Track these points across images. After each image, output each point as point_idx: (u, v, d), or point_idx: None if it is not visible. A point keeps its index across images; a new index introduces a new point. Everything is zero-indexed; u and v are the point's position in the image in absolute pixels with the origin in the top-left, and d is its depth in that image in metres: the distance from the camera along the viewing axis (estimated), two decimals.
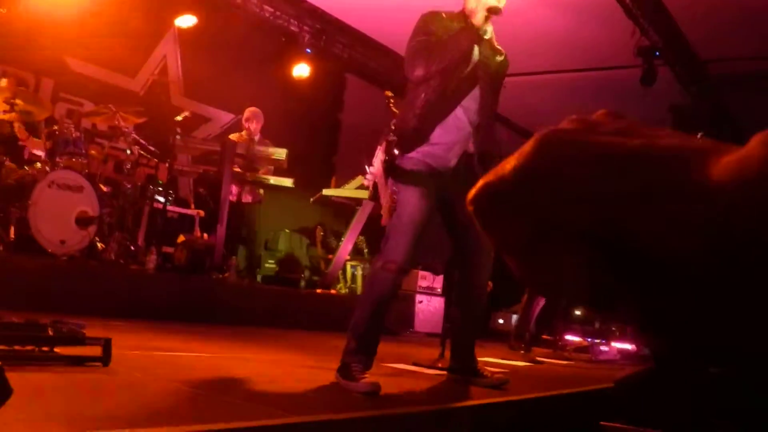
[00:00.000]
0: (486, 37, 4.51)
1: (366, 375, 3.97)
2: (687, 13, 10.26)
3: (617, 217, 0.58)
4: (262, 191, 9.96)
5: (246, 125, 9.95)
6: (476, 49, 4.45)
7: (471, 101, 4.44)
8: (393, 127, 4.52)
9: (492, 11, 4.34)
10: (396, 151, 4.36)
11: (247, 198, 9.75)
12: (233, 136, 9.88)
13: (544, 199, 0.62)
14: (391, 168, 4.40)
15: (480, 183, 0.71)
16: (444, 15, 4.46)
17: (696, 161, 0.58)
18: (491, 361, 6.58)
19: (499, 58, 4.61)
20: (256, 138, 9.78)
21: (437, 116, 4.37)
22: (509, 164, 0.66)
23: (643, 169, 0.59)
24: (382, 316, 4.29)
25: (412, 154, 4.34)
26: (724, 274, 0.53)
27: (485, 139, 4.49)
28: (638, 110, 12.92)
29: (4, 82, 8.15)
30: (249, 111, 10.00)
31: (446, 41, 4.32)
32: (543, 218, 0.64)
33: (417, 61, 4.34)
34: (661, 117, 12.57)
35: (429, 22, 4.43)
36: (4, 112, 7.58)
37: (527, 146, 0.68)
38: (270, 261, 10.99)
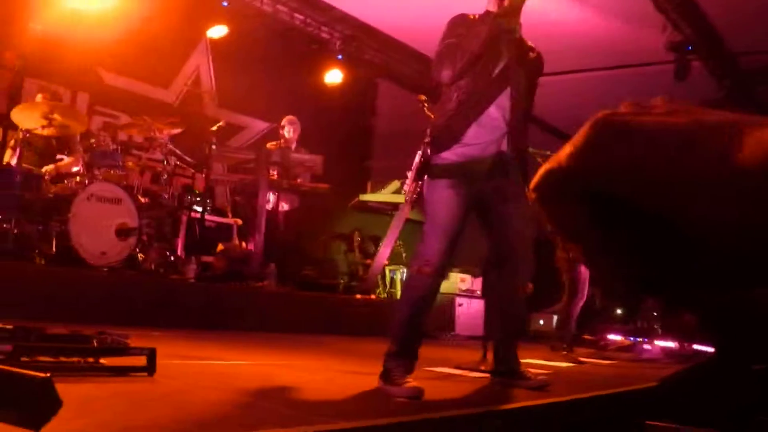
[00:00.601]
0: (516, 35, 4.48)
1: (408, 379, 3.95)
2: (718, 6, 10.17)
3: (667, 192, 0.58)
4: (298, 198, 9.98)
5: (282, 133, 9.99)
6: (504, 48, 4.42)
7: (504, 100, 4.40)
8: (428, 131, 4.50)
9: None
10: (429, 151, 4.33)
11: (284, 205, 9.77)
12: (269, 145, 9.92)
13: (600, 177, 0.63)
14: (425, 168, 4.37)
15: (541, 170, 0.72)
16: (471, 17, 4.43)
17: (732, 138, 0.58)
18: (533, 362, 6.54)
19: (532, 55, 4.58)
20: (293, 146, 9.81)
21: (470, 116, 4.33)
22: (566, 149, 0.66)
23: (688, 147, 0.59)
24: (421, 319, 4.27)
25: (446, 155, 4.31)
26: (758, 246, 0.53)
27: (520, 138, 4.46)
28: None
29: (39, 97, 8.23)
30: (285, 119, 10.05)
31: (465, 35, 4.29)
32: (599, 197, 0.64)
33: (443, 62, 4.31)
34: None
35: (455, 25, 4.40)
36: (43, 127, 7.64)
37: (582, 130, 0.68)
38: (308, 267, 11.01)
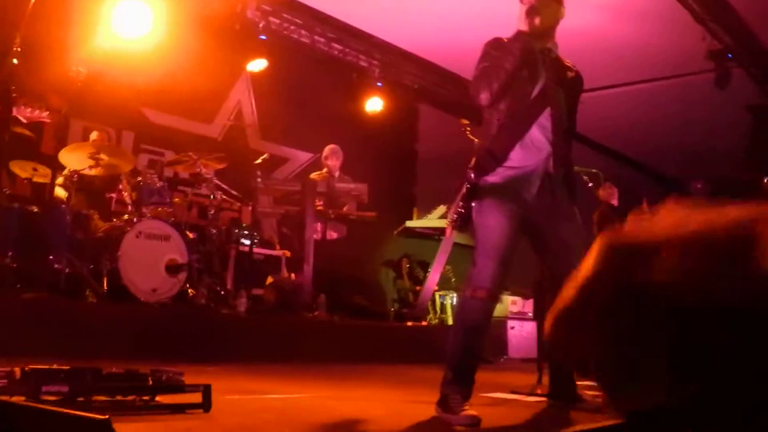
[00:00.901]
0: (553, 56, 4.45)
1: (466, 406, 3.91)
2: (756, 12, 10.08)
3: (686, 306, 0.56)
4: (345, 227, 9.99)
5: (325, 163, 10.01)
6: (541, 68, 4.38)
7: (546, 120, 4.36)
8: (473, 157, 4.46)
9: (529, 13, 4.26)
10: (473, 175, 4.29)
11: (331, 235, 9.78)
12: (314, 175, 9.94)
13: (614, 304, 0.60)
14: (471, 192, 4.33)
15: (548, 317, 0.70)
16: (505, 40, 4.40)
17: (747, 242, 0.55)
18: (589, 384, 6.46)
19: (570, 74, 4.54)
20: (336, 175, 9.82)
21: (512, 138, 4.29)
22: (570, 289, 0.65)
23: (703, 261, 0.57)
24: (476, 345, 4.22)
25: (492, 178, 4.27)
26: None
27: (565, 158, 4.41)
28: (716, 114, 12.71)
29: (95, 135, 8.35)
30: (328, 149, 10.07)
31: (498, 56, 4.26)
32: (617, 323, 0.62)
33: (480, 85, 4.28)
34: (739, 118, 12.36)
35: (490, 48, 4.37)
36: (90, 167, 7.72)
37: (588, 261, 0.67)
38: (358, 296, 11.00)
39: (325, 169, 9.95)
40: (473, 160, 4.32)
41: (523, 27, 4.25)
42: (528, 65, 4.30)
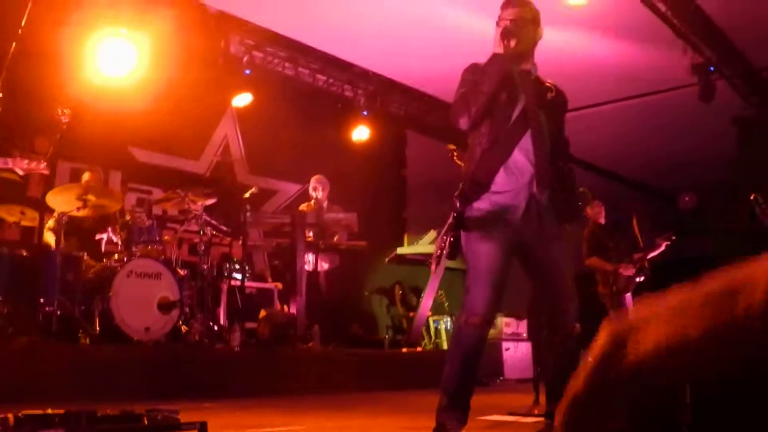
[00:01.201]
0: (532, 77, 4.45)
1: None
2: (736, 24, 10.17)
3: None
4: (337, 257, 9.99)
5: (313, 193, 10.02)
6: (521, 90, 4.39)
7: (527, 144, 4.36)
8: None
9: (504, 35, 4.26)
10: (458, 204, 4.30)
11: (323, 265, 9.77)
12: (302, 207, 9.95)
13: (625, 392, 0.61)
14: (460, 221, 4.33)
15: (558, 412, 0.71)
16: (481, 65, 4.41)
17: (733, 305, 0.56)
18: None
19: (551, 94, 4.54)
20: (324, 205, 9.83)
21: (495, 163, 4.28)
22: (577, 383, 0.66)
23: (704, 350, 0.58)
24: (472, 370, 4.21)
25: (479, 204, 4.27)
26: None
27: (547, 180, 4.38)
28: (702, 127, 12.78)
29: (87, 175, 8.36)
30: (314, 179, 10.08)
31: (475, 80, 4.27)
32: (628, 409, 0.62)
33: (458, 110, 4.29)
34: (725, 130, 12.42)
35: (467, 75, 4.38)
36: (78, 209, 7.71)
37: (596, 349, 0.67)
38: (352, 325, 11.00)
39: (313, 200, 9.96)
40: (459, 189, 4.33)
41: (499, 50, 4.25)
42: (506, 88, 4.29)
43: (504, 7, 4.37)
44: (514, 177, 4.27)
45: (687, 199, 12.76)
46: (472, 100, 4.22)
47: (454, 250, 4.23)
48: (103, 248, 8.30)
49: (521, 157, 4.29)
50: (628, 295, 9.19)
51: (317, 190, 9.96)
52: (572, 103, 4.70)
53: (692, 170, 14.69)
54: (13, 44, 3.90)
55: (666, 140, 14.11)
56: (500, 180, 4.27)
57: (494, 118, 4.28)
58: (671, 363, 0.60)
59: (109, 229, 8.15)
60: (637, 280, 9.26)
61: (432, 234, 10.00)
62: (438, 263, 4.32)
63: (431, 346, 10.81)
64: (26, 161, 5.80)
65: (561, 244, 4.45)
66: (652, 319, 0.63)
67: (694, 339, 0.61)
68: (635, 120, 13.17)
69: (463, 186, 4.29)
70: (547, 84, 4.55)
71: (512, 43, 4.22)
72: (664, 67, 10.90)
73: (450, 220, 4.27)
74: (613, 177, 16.58)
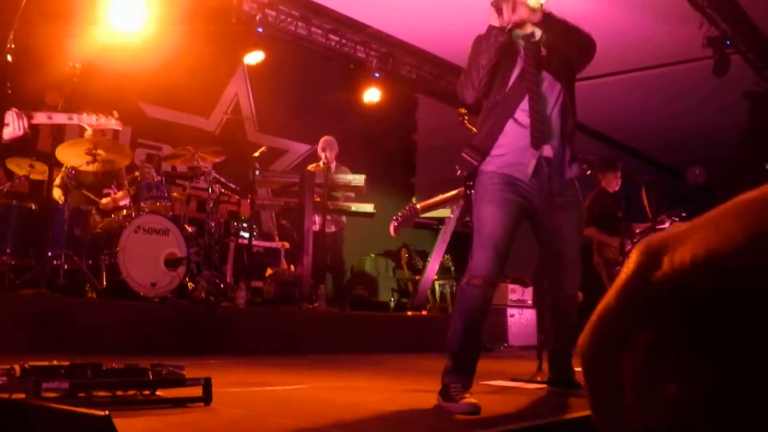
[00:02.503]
0: (533, 40, 4.42)
1: (467, 395, 3.91)
2: None
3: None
4: (344, 218, 10.00)
5: (321, 154, 10.00)
6: (519, 56, 4.38)
7: (534, 100, 4.35)
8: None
9: (494, 4, 4.25)
10: (458, 170, 4.32)
11: (330, 226, 9.79)
12: (310, 167, 9.94)
13: (657, 305, 0.61)
14: (467, 184, 4.35)
15: (590, 324, 0.71)
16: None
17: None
18: None
19: (544, 52, 4.48)
20: (333, 165, 9.81)
21: (494, 128, 4.31)
22: (610, 294, 0.66)
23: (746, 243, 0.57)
24: (476, 333, 4.22)
25: (487, 167, 4.28)
26: None
27: (543, 139, 4.35)
28: (714, 101, 12.71)
29: (89, 131, 8.34)
30: (322, 140, 10.05)
31: (475, 54, 4.28)
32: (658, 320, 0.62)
33: (463, 86, 4.33)
34: (737, 105, 12.35)
35: (473, 47, 4.38)
36: (87, 163, 7.72)
37: (629, 265, 0.67)
38: (358, 287, 11.02)
39: (321, 161, 9.94)
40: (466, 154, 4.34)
41: (494, 21, 4.25)
42: (504, 55, 4.31)
43: None
44: (516, 137, 4.28)
45: (697, 172, 12.72)
46: (474, 74, 4.25)
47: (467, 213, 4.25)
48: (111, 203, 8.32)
49: (524, 118, 4.29)
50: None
51: (325, 150, 9.94)
52: (584, 71, 4.68)
53: (702, 144, 14.63)
54: None
55: (677, 113, 14.04)
56: (504, 141, 4.28)
57: (493, 84, 4.29)
58: (710, 270, 0.60)
59: (119, 184, 8.17)
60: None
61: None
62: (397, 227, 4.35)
63: (436, 310, 10.83)
64: (95, 117, 5.73)
65: (571, 212, 4.47)
66: (687, 233, 0.63)
67: (735, 245, 0.60)
68: (647, 91, 13.10)
69: (461, 153, 4.32)
70: (549, 45, 4.47)
71: (505, 15, 4.21)
72: (678, 39, 10.84)
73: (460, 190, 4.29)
74: (623, 148, 16.52)
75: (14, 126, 4.40)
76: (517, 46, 4.38)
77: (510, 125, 4.31)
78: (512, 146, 4.28)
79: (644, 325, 0.68)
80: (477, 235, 4.23)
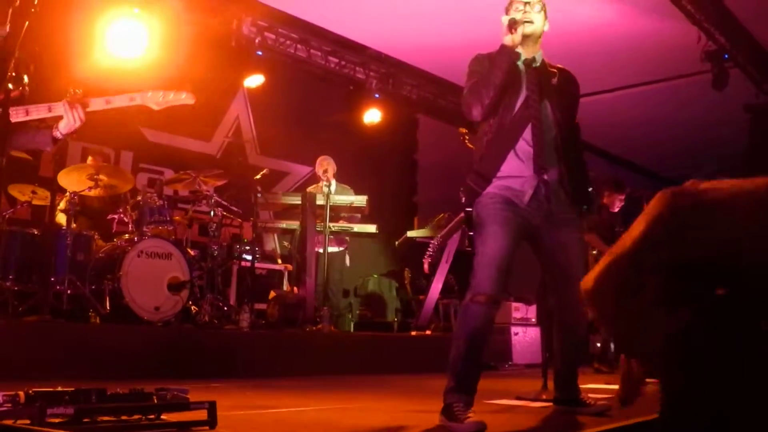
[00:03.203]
0: (536, 65, 4.47)
1: (470, 414, 3.90)
2: (750, 11, 10.10)
3: (743, 249, 0.57)
4: (347, 238, 9.99)
5: (320, 174, 9.98)
6: (524, 80, 4.42)
7: (528, 132, 4.38)
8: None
9: (511, 25, 4.29)
10: (463, 198, 4.34)
11: (333, 247, 9.77)
12: (311, 189, 9.94)
13: (677, 248, 0.62)
14: (468, 216, 4.37)
15: (604, 262, 0.72)
16: (488, 55, 4.43)
17: None
18: (594, 387, 6.46)
19: (554, 80, 4.54)
20: (333, 183, 9.76)
21: (499, 153, 4.31)
22: (632, 233, 0.67)
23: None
24: (478, 351, 4.21)
25: (490, 190, 4.29)
26: None
27: (546, 165, 4.39)
28: (714, 115, 12.72)
29: (89, 160, 8.37)
30: (319, 161, 10.00)
31: (485, 72, 4.30)
32: (672, 268, 0.63)
33: (471, 101, 4.33)
34: (737, 118, 12.35)
35: (475, 66, 4.41)
36: (90, 188, 7.75)
37: (651, 208, 0.68)
38: (361, 308, 11.02)
39: (321, 182, 9.91)
40: (468, 181, 4.35)
41: (507, 40, 4.27)
42: (511, 79, 4.33)
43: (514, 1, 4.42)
44: (520, 165, 4.30)
45: None
46: (484, 92, 4.27)
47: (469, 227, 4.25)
48: (113, 228, 8.33)
49: (526, 146, 4.32)
50: None
51: (323, 170, 9.89)
52: (583, 89, 4.71)
53: (703, 158, 14.63)
54: (26, 23, 3.91)
55: (677, 127, 14.05)
56: (507, 167, 4.29)
57: (499, 108, 4.31)
58: (733, 215, 0.62)
59: (120, 209, 8.18)
60: None
61: (442, 217, 10.01)
62: (430, 264, 4.38)
63: (440, 329, 10.81)
64: (161, 93, 5.24)
65: (573, 230, 4.48)
66: (710, 188, 0.65)
67: (754, 195, 0.62)
68: (646, 106, 13.12)
69: (468, 182, 4.32)
70: (552, 69, 4.56)
71: (519, 33, 4.25)
72: (676, 54, 10.85)
73: (455, 219, 4.31)
74: (624, 164, 16.53)
75: (69, 118, 4.35)
76: (519, 71, 4.41)
77: (512, 153, 4.33)
78: (516, 173, 4.30)
79: (658, 271, 0.69)
80: (479, 253, 4.22)
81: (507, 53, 4.27)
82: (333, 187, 9.37)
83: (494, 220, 4.22)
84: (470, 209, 4.35)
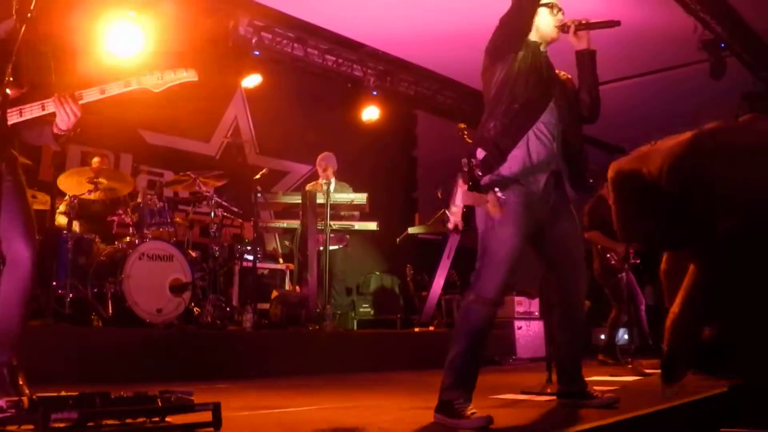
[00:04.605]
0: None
1: (473, 409, 3.88)
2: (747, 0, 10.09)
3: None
4: (348, 237, 9.97)
5: (320, 172, 9.97)
6: (544, 67, 4.44)
7: (549, 116, 4.39)
8: (467, 162, 4.41)
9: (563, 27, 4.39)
10: (479, 173, 4.27)
11: (334, 245, 9.75)
12: (309, 186, 9.93)
13: (694, 195, 0.62)
14: (478, 188, 4.30)
15: (626, 167, 0.73)
16: None
17: None
18: (600, 379, 6.46)
19: (561, 76, 4.61)
20: (332, 181, 9.73)
21: (518, 133, 4.28)
22: (655, 162, 0.67)
23: None
24: (479, 349, 4.18)
25: (505, 171, 4.25)
26: None
27: (556, 155, 4.40)
28: (712, 104, 12.70)
29: (96, 160, 8.36)
30: (319, 158, 9.98)
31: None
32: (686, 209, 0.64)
33: (504, 37, 4.41)
34: (735, 107, 12.33)
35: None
36: (89, 192, 7.74)
37: (680, 148, 0.68)
38: (364, 305, 11.01)
39: (321, 179, 9.88)
40: (476, 158, 4.27)
41: (536, 36, 4.42)
42: (534, 71, 4.34)
43: None
44: (537, 149, 4.28)
45: None
46: (517, 22, 4.40)
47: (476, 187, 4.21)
48: (114, 231, 8.33)
49: (544, 129, 4.33)
50: (624, 275, 9.01)
51: (323, 167, 9.87)
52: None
53: None
54: (23, 27, 3.89)
55: (676, 117, 14.02)
56: (518, 152, 4.26)
57: (521, 97, 4.29)
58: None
59: (120, 211, 8.17)
60: (633, 261, 9.10)
61: (443, 213, 10.00)
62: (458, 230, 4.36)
63: (443, 325, 10.80)
64: (158, 74, 5.05)
65: (571, 221, 4.49)
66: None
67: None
68: (644, 97, 13.09)
69: (486, 155, 4.25)
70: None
71: (555, 30, 4.51)
72: (673, 44, 10.84)
73: (457, 190, 4.28)
74: (622, 154, 16.51)
75: (61, 114, 4.23)
76: (541, 64, 4.44)
77: (533, 135, 4.32)
78: (528, 158, 4.28)
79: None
80: (490, 256, 4.17)
81: (531, 46, 4.45)
82: (332, 185, 9.35)
83: (514, 223, 4.16)
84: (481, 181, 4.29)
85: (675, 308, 4.10)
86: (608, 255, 9.10)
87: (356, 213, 9.65)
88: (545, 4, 4.50)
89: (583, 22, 4.60)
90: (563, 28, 4.53)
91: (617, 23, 4.61)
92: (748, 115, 2.85)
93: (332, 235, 9.44)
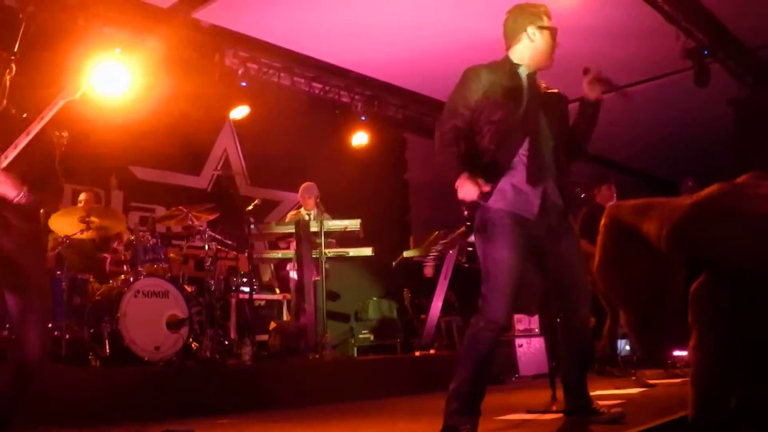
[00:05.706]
0: (532, 78, 4.51)
1: None
2: (726, 6, 10.13)
3: None
4: (344, 264, 9.94)
5: (302, 202, 9.94)
6: (525, 89, 4.43)
7: (538, 136, 4.38)
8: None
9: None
10: (465, 212, 4.31)
11: (329, 274, 9.71)
12: (290, 215, 9.94)
13: (693, 249, 0.60)
14: (475, 224, 4.33)
15: (626, 219, 0.70)
16: (486, 68, 4.43)
17: None
18: (604, 393, 6.41)
19: (549, 92, 4.59)
20: (313, 212, 9.69)
21: (502, 163, 4.29)
22: (653, 223, 0.65)
23: None
24: (486, 375, 4.20)
25: (496, 204, 4.24)
26: None
27: (542, 174, 4.38)
28: (699, 111, 12.74)
29: (83, 196, 8.33)
30: (301, 189, 9.95)
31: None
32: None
33: (445, 122, 4.49)
34: (721, 112, 12.36)
35: (469, 82, 4.40)
36: (81, 231, 7.70)
37: (679, 217, 0.67)
38: (363, 331, 10.96)
39: (302, 208, 9.85)
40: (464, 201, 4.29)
41: (525, 59, 4.42)
42: (513, 94, 4.34)
43: (542, 14, 4.54)
44: (520, 175, 4.27)
45: (690, 184, 12.68)
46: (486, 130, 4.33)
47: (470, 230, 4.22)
48: (107, 268, 8.29)
49: (528, 157, 4.31)
50: None
51: (303, 197, 9.86)
52: (568, 96, 4.72)
53: (692, 155, 14.63)
54: (12, 66, 3.87)
55: (664, 126, 14.08)
56: (506, 179, 4.25)
57: (501, 117, 4.28)
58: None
59: (114, 244, 8.14)
60: None
61: (437, 235, 9.98)
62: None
63: (444, 348, 10.76)
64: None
65: (572, 239, 4.49)
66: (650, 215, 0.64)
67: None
68: (632, 108, 13.12)
69: (484, 167, 4.26)
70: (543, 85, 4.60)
71: (547, 58, 4.52)
72: (657, 54, 10.88)
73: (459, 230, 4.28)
74: (615, 166, 16.52)
75: None
76: (521, 86, 4.42)
77: (516, 162, 4.31)
78: (516, 184, 4.27)
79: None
80: (493, 278, 4.19)
81: (507, 67, 4.47)
82: (313, 215, 9.37)
83: (507, 245, 4.18)
84: (481, 219, 4.30)
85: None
86: None
87: (350, 239, 9.60)
88: (548, 28, 4.48)
89: (605, 77, 4.57)
90: (585, 70, 4.54)
91: (630, 99, 4.64)
92: (745, 175, 2.78)
93: (327, 263, 9.39)
